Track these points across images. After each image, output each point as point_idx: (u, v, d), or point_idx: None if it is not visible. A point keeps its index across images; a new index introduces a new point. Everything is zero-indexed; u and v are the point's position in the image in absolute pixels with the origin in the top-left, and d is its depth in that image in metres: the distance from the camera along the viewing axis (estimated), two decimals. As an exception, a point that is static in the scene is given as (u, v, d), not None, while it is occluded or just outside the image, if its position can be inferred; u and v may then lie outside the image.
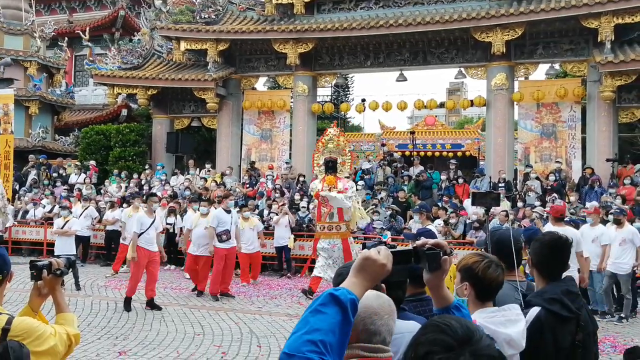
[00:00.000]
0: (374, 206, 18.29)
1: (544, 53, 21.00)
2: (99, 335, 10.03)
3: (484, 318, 3.18)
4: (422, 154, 31.64)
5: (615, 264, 12.21)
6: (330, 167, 13.95)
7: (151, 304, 12.16)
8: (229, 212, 13.97)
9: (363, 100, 25.56)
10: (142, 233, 12.25)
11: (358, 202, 14.68)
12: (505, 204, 16.71)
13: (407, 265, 2.55)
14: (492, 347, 1.78)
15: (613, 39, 18.84)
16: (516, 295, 3.92)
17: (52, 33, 30.47)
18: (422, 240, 2.67)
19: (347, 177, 15.03)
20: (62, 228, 14.62)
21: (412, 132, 32.39)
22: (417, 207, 15.30)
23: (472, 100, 22.93)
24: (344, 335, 2.09)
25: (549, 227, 10.56)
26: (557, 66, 23.01)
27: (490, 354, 1.74)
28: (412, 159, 24.32)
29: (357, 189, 20.22)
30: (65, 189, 22.76)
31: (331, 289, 2.17)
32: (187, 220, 16.52)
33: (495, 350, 1.78)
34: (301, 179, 21.37)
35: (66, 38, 31.90)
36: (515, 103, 21.55)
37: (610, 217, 12.92)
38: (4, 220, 17.03)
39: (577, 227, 12.42)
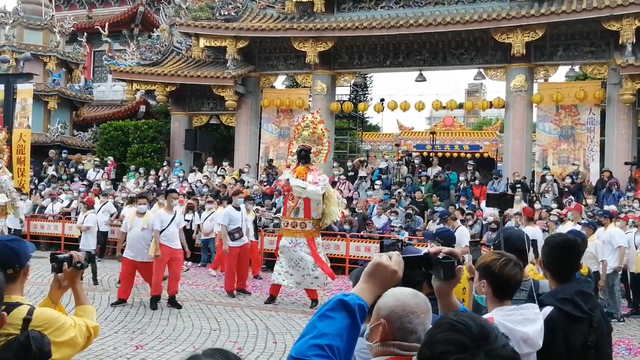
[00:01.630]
0: (391, 206, 18.23)
1: (564, 55, 20.87)
2: (116, 329, 10.10)
3: (502, 316, 3.20)
4: (440, 154, 31.57)
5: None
6: (303, 156, 12.45)
7: (173, 302, 12.11)
8: (238, 209, 13.87)
9: (382, 100, 25.56)
10: (163, 230, 12.23)
11: (339, 198, 13.36)
12: (522, 206, 16.65)
13: (419, 271, 2.57)
14: (507, 347, 1.78)
15: (634, 41, 18.70)
16: (518, 295, 3.94)
17: (72, 28, 30.70)
18: (436, 248, 2.68)
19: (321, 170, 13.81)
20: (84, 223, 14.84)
21: (433, 133, 32.36)
22: (438, 216, 15.14)
23: (491, 102, 22.93)
24: (351, 340, 2.11)
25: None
26: (577, 68, 22.83)
27: (506, 354, 1.75)
28: (430, 159, 24.26)
29: (374, 189, 20.30)
30: (83, 185, 22.86)
31: (340, 294, 2.19)
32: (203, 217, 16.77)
33: (510, 350, 1.78)
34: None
35: (85, 33, 32.02)
36: (534, 105, 21.44)
37: (630, 221, 12.99)
38: (15, 214, 17.12)
39: (594, 229, 12.44)
